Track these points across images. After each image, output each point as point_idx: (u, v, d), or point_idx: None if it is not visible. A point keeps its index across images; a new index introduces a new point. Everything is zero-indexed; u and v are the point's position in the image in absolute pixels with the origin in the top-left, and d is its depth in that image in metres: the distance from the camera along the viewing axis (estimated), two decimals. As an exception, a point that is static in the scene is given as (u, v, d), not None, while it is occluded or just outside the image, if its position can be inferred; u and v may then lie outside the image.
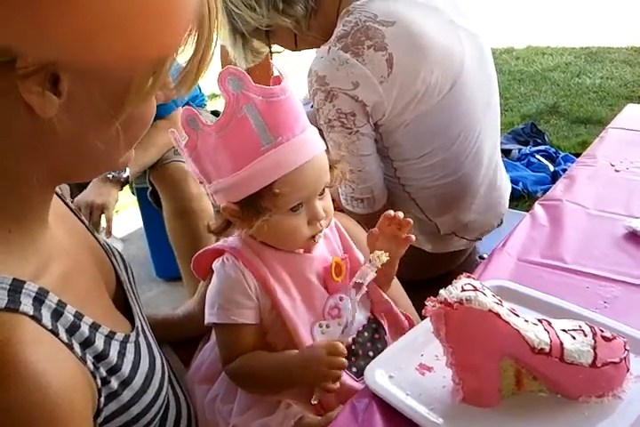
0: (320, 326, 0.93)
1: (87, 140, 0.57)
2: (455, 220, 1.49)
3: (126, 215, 2.95)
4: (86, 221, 0.82)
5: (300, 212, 0.89)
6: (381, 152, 1.40)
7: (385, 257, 0.91)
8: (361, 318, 0.97)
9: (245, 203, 0.86)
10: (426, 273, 1.51)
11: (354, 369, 0.92)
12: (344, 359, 0.84)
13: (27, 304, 0.55)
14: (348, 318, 0.89)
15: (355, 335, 0.95)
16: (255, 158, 0.82)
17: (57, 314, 0.59)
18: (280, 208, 0.87)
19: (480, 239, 1.59)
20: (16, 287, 0.55)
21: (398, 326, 1.00)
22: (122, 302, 0.78)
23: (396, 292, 1.12)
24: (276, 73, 0.87)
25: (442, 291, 0.77)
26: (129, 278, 0.83)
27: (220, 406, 0.94)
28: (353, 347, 0.93)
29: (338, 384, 0.84)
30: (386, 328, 1.00)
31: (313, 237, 0.92)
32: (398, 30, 1.26)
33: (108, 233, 1.66)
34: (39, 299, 0.57)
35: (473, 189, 1.48)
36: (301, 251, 0.96)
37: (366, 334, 0.97)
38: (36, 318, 0.55)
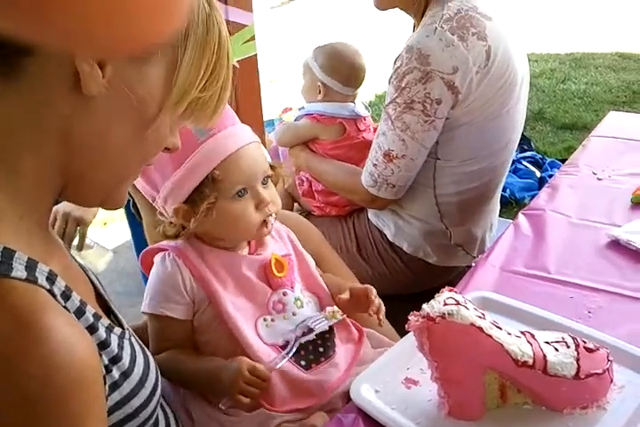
0: (265, 320, 0.96)
1: (109, 137, 0.60)
2: (468, 232, 1.51)
3: (115, 227, 2.93)
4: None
5: (246, 198, 0.93)
6: (431, 148, 1.40)
7: (340, 315, 0.96)
8: (314, 314, 1.00)
9: (192, 198, 0.91)
10: (421, 286, 1.51)
11: (302, 363, 0.94)
12: (261, 382, 0.86)
13: (42, 280, 0.56)
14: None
15: (306, 330, 0.97)
16: (193, 152, 0.89)
17: (65, 297, 0.60)
18: (224, 193, 0.92)
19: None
20: (31, 265, 0.56)
21: (347, 327, 1.02)
22: (103, 311, 0.78)
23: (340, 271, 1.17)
24: None
25: (424, 305, 0.77)
26: (105, 292, 0.84)
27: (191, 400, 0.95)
28: (303, 342, 0.95)
29: (248, 400, 0.86)
30: (334, 328, 1.01)
31: (264, 222, 0.95)
32: (495, 27, 1.31)
33: (80, 247, 1.64)
34: (51, 279, 0.58)
35: (491, 201, 1.52)
36: (245, 252, 0.99)
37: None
38: (52, 293, 0.57)
